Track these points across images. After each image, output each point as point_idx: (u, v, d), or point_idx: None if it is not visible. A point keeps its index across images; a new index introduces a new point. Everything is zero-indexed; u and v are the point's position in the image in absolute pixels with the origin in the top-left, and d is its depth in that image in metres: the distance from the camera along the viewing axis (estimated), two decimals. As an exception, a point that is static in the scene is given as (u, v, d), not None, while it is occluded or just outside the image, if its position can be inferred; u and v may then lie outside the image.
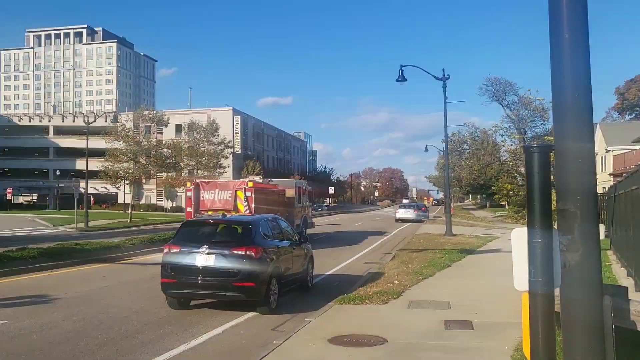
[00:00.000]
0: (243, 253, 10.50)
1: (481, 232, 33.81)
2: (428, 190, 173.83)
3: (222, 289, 10.49)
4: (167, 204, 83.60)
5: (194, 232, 11.36)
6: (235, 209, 22.41)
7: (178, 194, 79.32)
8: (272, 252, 11.21)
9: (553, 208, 3.93)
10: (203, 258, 10.53)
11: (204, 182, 23.75)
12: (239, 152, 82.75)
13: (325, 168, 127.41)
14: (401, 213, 51.19)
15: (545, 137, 50.02)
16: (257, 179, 26.07)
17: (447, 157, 36.45)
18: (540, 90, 57.13)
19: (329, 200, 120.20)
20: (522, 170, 49.35)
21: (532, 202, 3.72)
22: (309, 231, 30.68)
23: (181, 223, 12.29)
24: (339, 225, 43.44)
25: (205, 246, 10.59)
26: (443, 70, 30.61)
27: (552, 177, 4.00)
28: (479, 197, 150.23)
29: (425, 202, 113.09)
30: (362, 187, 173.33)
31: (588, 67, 3.87)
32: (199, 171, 61.37)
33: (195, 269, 10.52)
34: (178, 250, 10.80)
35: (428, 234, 31.45)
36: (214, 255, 10.50)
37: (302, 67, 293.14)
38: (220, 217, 12.34)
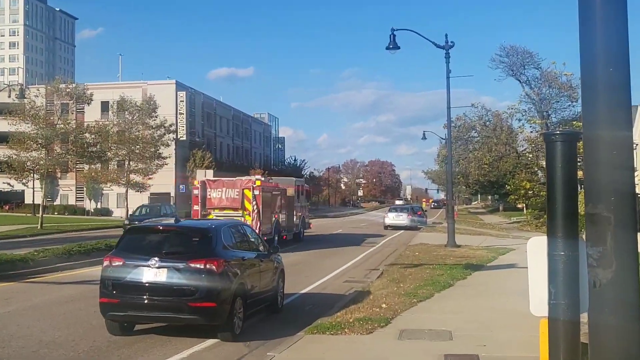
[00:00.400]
0: (202, 267, 10.84)
1: (492, 243, 34.19)
2: (426, 189, 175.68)
3: (176, 311, 10.81)
4: (89, 205, 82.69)
5: (141, 241, 11.78)
6: (243, 207, 28.89)
7: (104, 192, 78.58)
8: (236, 265, 11.64)
9: (580, 212, 3.98)
10: (152, 273, 10.84)
11: (211, 180, 30.40)
12: (184, 138, 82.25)
13: (295, 160, 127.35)
14: (391, 218, 51.66)
15: (574, 122, 50.78)
16: (259, 177, 32.14)
17: (450, 147, 36.79)
18: (567, 63, 57.99)
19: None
20: (545, 164, 49.80)
21: (553, 204, 3.76)
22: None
23: (125, 229, 12.53)
24: (311, 234, 43.46)
25: (155, 258, 10.89)
26: (446, 36, 30.85)
27: (579, 173, 4.05)
28: (489, 198, 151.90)
29: (424, 205, 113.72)
30: (342, 185, 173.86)
31: (625, 34, 3.93)
32: (131, 162, 60.88)
33: (143, 287, 10.86)
34: (121, 263, 11.10)
35: (425, 245, 31.70)
36: (165, 270, 10.83)
37: (266, 30, 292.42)
38: (173, 222, 12.74)
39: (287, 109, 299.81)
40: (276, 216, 31.96)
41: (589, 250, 3.87)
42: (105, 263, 11.29)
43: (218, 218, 26.96)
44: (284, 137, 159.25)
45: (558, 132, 3.87)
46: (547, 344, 3.92)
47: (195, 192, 30.09)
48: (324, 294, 17.12)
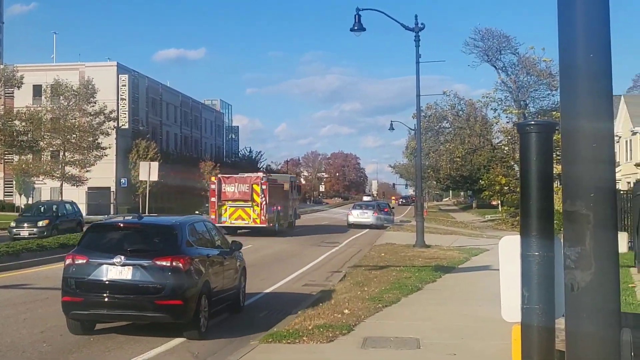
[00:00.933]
0: (168, 264, 11.89)
1: (464, 243, 34.58)
2: (393, 185, 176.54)
3: (142, 309, 11.85)
4: (19, 200, 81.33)
5: (104, 239, 12.96)
6: (252, 199, 39.21)
7: (36, 186, 77.42)
8: (201, 262, 12.85)
9: (558, 209, 4.04)
10: (117, 271, 11.83)
11: (225, 177, 41.21)
12: (126, 126, 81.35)
13: (250, 151, 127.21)
14: (355, 215, 52.40)
15: (554, 112, 51.64)
16: (262, 174, 44.12)
17: (419, 139, 37.06)
18: (547, 48, 58.44)
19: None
20: (521, 157, 50.26)
21: (527, 200, 3.80)
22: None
23: (88, 226, 14.26)
24: (262, 233, 43.37)
25: (121, 256, 11.88)
26: (415, 17, 31.05)
27: (557, 167, 4.10)
28: (462, 194, 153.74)
29: (392, 202, 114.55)
30: (302, 179, 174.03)
31: (607, 17, 3.98)
32: (66, 153, 60.02)
33: (108, 285, 11.85)
34: (85, 261, 12.10)
35: (392, 245, 31.93)
36: (131, 267, 11.83)
37: (220, 8, 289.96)
38: (136, 219, 13.92)
39: (242, 96, 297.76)
40: (277, 207, 41.92)
41: (567, 251, 3.91)
42: (68, 261, 12.20)
43: (231, 208, 39.57)
44: (238, 127, 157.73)
45: (532, 122, 3.91)
46: (519, 352, 3.97)
47: (213, 186, 40.58)
48: (281, 299, 17.20)
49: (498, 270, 4.70)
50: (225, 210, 39.74)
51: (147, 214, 39.09)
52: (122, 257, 11.80)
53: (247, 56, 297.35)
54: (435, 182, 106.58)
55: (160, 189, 65.53)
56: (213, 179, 41.54)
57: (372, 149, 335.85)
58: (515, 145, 53.67)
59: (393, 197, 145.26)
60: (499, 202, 66.80)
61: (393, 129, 65.69)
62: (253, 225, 39.65)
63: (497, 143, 62.67)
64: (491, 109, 59.60)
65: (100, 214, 58.54)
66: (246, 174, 42.51)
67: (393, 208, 72.68)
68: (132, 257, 11.91)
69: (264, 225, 39.39)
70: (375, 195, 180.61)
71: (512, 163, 54.93)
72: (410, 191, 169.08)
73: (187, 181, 77.09)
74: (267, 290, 18.73)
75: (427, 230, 34.89)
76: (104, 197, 76.68)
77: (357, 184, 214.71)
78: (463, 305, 14.96)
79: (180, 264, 11.85)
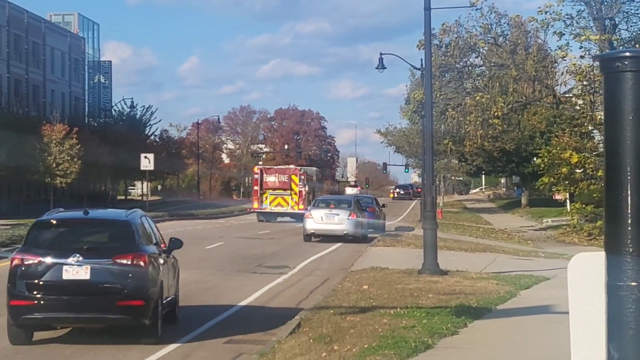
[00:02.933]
0: (130, 262, 18.78)
1: (508, 267, 34.96)
2: (384, 165, 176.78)
3: (104, 311, 18.71)
4: None
5: (52, 236, 20.03)
6: (290, 188, 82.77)
7: None
8: (157, 261, 19.84)
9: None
10: (74, 270, 18.42)
11: (266, 168, 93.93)
12: None
13: (132, 106, 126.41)
14: (318, 219, 53.03)
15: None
16: (293, 167, 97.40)
17: (429, 85, 36.79)
18: None
19: (140, 188, 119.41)
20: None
21: (615, 192, 3.74)
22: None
23: (32, 223, 21.18)
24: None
25: (77, 255, 18.48)
26: None
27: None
28: (503, 181, 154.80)
29: (389, 195, 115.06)
30: (224, 154, 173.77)
31: None
32: None
33: (66, 286, 18.62)
34: (36, 261, 18.64)
35: (382, 271, 32.16)
36: (89, 267, 18.47)
37: None
38: (82, 214, 20.54)
39: (119, 7, 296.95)
40: (310, 196, 78.88)
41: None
42: (15, 262, 18.76)
43: (272, 196, 80.00)
44: (110, 63, 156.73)
45: (629, 52, 3.86)
46: None
47: (256, 176, 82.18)
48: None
49: (567, 313, 4.70)
50: (266, 197, 79.01)
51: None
52: (78, 255, 18.26)
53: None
54: (457, 161, 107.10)
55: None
56: (255, 169, 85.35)
57: (348, 102, 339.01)
58: (597, 97, 53.96)
59: (392, 191, 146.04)
60: (567, 195, 67.13)
61: (384, 68, 65.51)
62: (291, 211, 77.52)
63: (565, 93, 62.89)
64: (555, 32, 59.42)
65: None
66: (285, 166, 73.56)
67: (384, 206, 72.92)
68: (90, 255, 18.72)
69: (302, 212, 64.21)
70: (356, 182, 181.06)
71: (591, 128, 55.20)
72: (414, 177, 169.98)
73: (21, 158, 75.93)
74: (161, 353, 18.84)
75: (442, 245, 35.10)
76: None
77: (322, 164, 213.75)
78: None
79: (142, 262, 18.65)
